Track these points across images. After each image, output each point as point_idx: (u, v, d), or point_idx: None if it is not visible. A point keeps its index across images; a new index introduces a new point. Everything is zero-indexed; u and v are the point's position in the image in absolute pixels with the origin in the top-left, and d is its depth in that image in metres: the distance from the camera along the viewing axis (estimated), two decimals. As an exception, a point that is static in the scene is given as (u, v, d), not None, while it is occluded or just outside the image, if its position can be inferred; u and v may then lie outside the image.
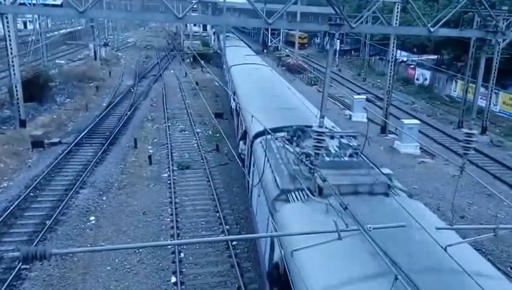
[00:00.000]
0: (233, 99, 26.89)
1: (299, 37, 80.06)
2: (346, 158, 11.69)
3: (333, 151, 12.08)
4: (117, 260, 15.97)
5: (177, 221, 19.02)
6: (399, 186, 10.63)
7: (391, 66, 34.09)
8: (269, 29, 76.95)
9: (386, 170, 11.01)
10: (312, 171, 10.24)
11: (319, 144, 9.78)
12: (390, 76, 34.05)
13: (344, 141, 13.05)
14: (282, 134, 13.91)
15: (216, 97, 44.21)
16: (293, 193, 10.15)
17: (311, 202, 9.36)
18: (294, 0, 23.67)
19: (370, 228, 6.48)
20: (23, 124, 30.05)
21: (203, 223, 19.12)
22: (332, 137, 12.95)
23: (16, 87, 29.67)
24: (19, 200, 19.97)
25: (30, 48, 45.84)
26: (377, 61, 69.55)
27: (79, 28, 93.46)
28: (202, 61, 38.78)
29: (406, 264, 6.06)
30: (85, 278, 15.01)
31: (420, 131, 31.67)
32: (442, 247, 7.42)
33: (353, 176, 10.21)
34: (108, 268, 15.57)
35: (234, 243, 17.12)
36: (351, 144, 12.82)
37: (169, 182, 23.25)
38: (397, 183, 10.69)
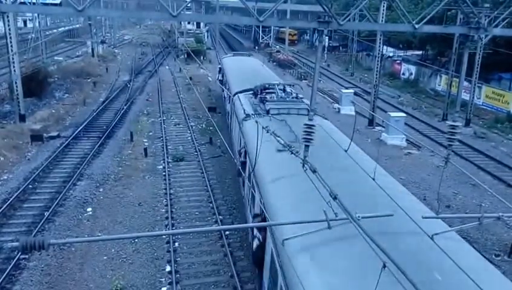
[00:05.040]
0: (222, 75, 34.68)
1: (289, 34, 80.00)
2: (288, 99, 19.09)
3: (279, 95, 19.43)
4: (113, 250, 15.81)
5: (171, 211, 18.84)
6: (318, 113, 16.74)
7: (377, 61, 33.98)
8: (260, 27, 76.82)
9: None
10: (263, 103, 18.26)
11: (308, 136, 9.62)
12: (377, 71, 33.95)
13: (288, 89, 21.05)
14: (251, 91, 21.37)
15: (210, 92, 43.95)
16: (252, 115, 16.87)
17: (264, 118, 16.14)
18: (284, -2, 23.66)
19: (358, 217, 6.36)
20: (22, 118, 29.77)
21: (196, 213, 18.95)
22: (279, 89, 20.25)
23: (15, 83, 29.39)
24: (18, 192, 19.74)
25: (30, 46, 45.57)
26: (364, 56, 69.41)
27: (77, 26, 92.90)
28: (195, 57, 38.56)
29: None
30: (82, 267, 14.84)
31: (406, 123, 31.60)
32: (428, 236, 7.33)
33: (288, 104, 17.87)
34: (105, 258, 15.40)
35: (227, 232, 16.97)
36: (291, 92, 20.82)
37: (164, 173, 23.04)
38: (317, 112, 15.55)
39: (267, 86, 20.64)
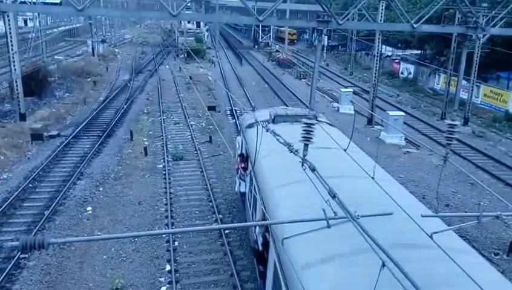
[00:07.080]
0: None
1: (289, 33, 80.00)
2: None
3: None
4: (113, 249, 15.73)
5: (171, 211, 18.75)
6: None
7: (376, 60, 33.93)
8: (260, 26, 76.82)
9: None
10: None
11: (307, 135, 9.58)
12: (376, 70, 33.89)
13: None
14: None
15: (209, 91, 43.91)
16: None
17: None
18: (283, -3, 23.53)
19: (358, 215, 6.32)
20: (23, 117, 29.74)
21: (196, 212, 18.87)
22: None
23: (16, 82, 29.38)
24: (18, 191, 19.64)
25: (30, 45, 45.50)
26: (363, 56, 69.46)
27: (78, 25, 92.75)
28: (196, 57, 38.48)
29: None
30: (82, 266, 14.76)
31: (405, 122, 31.54)
32: (427, 234, 7.29)
33: None
34: (104, 257, 15.32)
35: (227, 231, 16.89)
36: None
37: (164, 172, 22.97)
38: None
39: None
